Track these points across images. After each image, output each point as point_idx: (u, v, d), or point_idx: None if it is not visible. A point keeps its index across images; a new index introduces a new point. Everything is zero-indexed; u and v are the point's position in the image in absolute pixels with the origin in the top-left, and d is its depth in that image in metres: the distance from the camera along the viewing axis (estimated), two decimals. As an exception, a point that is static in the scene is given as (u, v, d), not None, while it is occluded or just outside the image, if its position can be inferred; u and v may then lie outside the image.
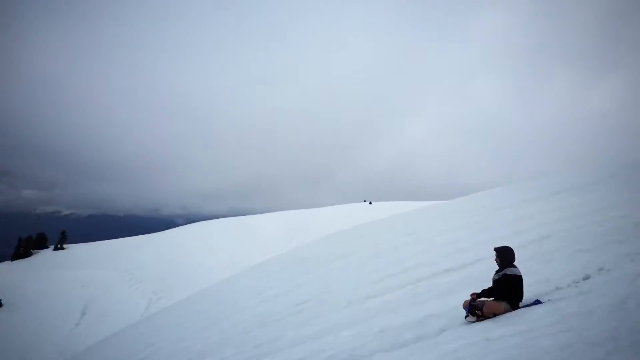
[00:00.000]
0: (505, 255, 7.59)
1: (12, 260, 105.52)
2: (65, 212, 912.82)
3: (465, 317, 7.69)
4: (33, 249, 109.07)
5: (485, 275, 10.49)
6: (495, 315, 7.25)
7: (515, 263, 7.64)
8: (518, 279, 7.35)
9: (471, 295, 7.69)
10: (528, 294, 7.85)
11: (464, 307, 7.79)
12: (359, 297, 13.15)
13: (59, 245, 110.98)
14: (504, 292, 7.36)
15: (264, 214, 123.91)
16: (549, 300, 7.44)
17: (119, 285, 78.12)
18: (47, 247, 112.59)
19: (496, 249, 7.74)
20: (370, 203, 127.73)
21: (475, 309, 7.48)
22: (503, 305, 7.30)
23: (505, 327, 6.68)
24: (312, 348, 9.33)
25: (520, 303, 7.45)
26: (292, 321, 13.04)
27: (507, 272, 7.35)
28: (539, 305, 7.21)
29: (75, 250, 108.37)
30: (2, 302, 77.20)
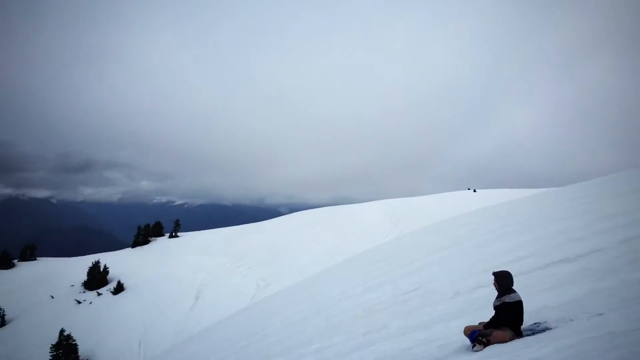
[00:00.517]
0: (503, 281, 7.61)
1: (132, 247, 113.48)
2: (178, 202, 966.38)
3: (473, 347, 7.63)
4: (151, 237, 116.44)
5: (605, 267, 9.94)
6: (498, 342, 7.31)
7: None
8: (518, 305, 7.38)
9: (482, 325, 7.77)
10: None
11: (466, 334, 7.85)
12: (467, 287, 12.92)
13: (173, 233, 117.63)
14: (506, 319, 7.41)
15: (366, 203, 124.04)
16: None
17: (229, 271, 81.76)
18: (163, 235, 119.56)
19: (494, 274, 7.73)
20: (475, 191, 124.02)
21: (484, 336, 7.47)
22: (508, 333, 7.34)
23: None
24: (421, 337, 9.31)
25: (521, 327, 7.54)
26: (399, 310, 13.07)
27: (507, 300, 7.38)
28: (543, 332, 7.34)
29: (188, 238, 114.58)
30: (125, 286, 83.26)
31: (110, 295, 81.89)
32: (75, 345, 61.95)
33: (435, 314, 11.00)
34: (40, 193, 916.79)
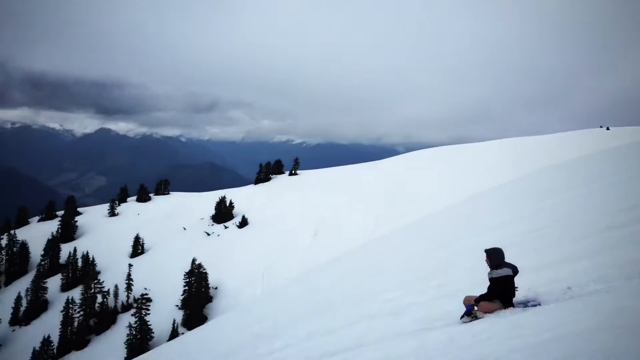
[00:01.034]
0: (494, 257, 7.91)
1: (254, 184, 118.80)
2: (297, 140, 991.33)
3: (461, 317, 8.02)
4: (272, 174, 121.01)
5: None
6: (487, 313, 7.73)
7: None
8: (507, 280, 7.68)
9: (474, 299, 8.04)
10: None
11: (464, 303, 8.15)
12: (598, 227, 12.01)
13: (293, 171, 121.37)
14: (495, 293, 7.77)
15: (487, 142, 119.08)
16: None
17: (346, 208, 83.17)
18: (283, 173, 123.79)
19: (486, 251, 8.04)
20: (608, 129, 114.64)
21: (473, 312, 7.91)
22: (496, 304, 7.74)
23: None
24: (550, 276, 8.82)
25: (514, 299, 7.79)
26: (531, 246, 12.50)
27: (494, 275, 7.73)
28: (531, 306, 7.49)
29: (307, 176, 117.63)
30: (249, 220, 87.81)
31: (236, 228, 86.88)
32: (206, 274, 66.86)
33: (565, 254, 10.35)
34: (171, 132, 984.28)
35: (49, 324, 66.85)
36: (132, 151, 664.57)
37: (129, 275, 69.37)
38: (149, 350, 51.41)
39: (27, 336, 67.67)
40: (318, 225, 79.95)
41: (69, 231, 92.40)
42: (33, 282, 73.53)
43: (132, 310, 62.11)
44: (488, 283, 8.34)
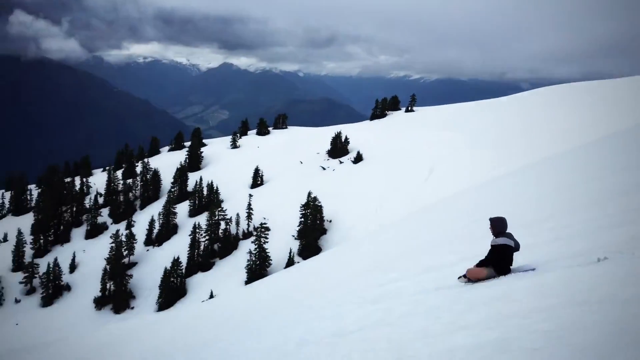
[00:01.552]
0: (496, 225, 8.20)
1: (370, 120, 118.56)
2: (415, 76, 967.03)
3: (459, 277, 8.45)
4: (387, 111, 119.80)
5: None
6: (478, 280, 8.04)
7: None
8: (502, 248, 7.93)
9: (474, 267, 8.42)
10: None
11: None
12: None
13: (409, 108, 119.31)
14: (491, 260, 8.08)
15: (625, 78, 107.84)
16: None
17: (463, 147, 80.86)
18: (399, 109, 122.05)
19: (490, 219, 8.33)
20: None
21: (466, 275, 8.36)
22: (485, 271, 8.03)
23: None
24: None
25: (511, 268, 8.03)
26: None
27: (492, 243, 8.04)
28: (528, 272, 7.63)
29: (424, 113, 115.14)
30: (363, 156, 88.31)
31: (351, 164, 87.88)
32: (321, 206, 68.86)
33: None
34: (290, 67, 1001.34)
35: (178, 246, 72.88)
36: (253, 86, 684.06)
37: (249, 204, 73.20)
38: (267, 275, 54.81)
39: (159, 256, 74.42)
40: (433, 163, 78.70)
41: (195, 161, 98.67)
42: (164, 207, 79.96)
43: (252, 238, 66.13)
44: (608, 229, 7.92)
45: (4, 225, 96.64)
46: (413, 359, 5.35)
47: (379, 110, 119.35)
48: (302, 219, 68.39)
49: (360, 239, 42.87)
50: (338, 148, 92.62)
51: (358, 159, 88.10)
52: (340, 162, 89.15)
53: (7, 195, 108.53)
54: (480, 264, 8.24)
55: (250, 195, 76.00)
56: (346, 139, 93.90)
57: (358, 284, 13.77)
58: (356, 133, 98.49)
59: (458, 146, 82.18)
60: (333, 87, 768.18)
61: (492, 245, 8.08)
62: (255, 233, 65.00)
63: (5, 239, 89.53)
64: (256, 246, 61.93)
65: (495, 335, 4.97)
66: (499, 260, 8.01)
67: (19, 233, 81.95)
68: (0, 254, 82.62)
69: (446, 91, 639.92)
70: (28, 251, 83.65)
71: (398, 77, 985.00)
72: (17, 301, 73.65)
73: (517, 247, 8.01)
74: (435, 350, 5.31)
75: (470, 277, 8.18)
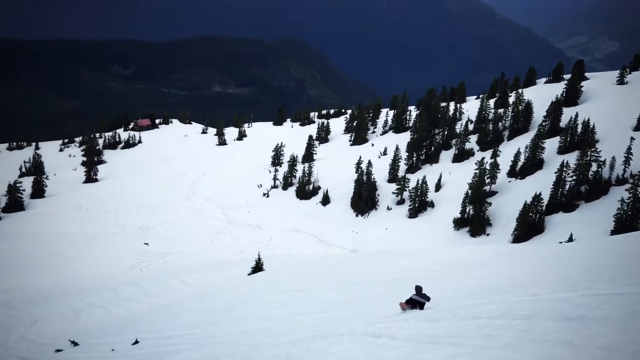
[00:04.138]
0: (417, 290, 14.58)
1: None
2: None
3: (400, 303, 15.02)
4: None
5: None
6: (404, 309, 14.38)
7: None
8: (414, 299, 14.44)
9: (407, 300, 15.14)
10: None
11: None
12: None
13: None
14: (412, 303, 14.40)
15: None
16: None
17: None
18: None
19: (416, 287, 14.78)
20: None
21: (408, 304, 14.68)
22: (407, 305, 14.32)
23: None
24: None
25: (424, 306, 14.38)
26: None
27: (413, 297, 14.54)
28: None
29: None
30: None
31: None
32: None
33: None
34: None
35: (541, 182, 70.71)
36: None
37: (629, 148, 65.42)
38: (637, 230, 49.05)
39: (520, 189, 73.81)
40: None
41: (572, 96, 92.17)
42: (532, 140, 77.93)
43: (627, 186, 59.22)
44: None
45: (386, 140, 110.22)
46: None
47: None
48: None
49: None
50: None
51: None
52: None
53: (391, 113, 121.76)
54: (407, 302, 14.43)
55: (632, 139, 67.40)
56: None
57: None
58: None
59: None
60: None
61: (411, 297, 14.47)
62: (631, 181, 58.05)
63: (385, 153, 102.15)
64: (630, 195, 55.37)
65: None
66: (416, 303, 14.27)
67: (397, 149, 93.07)
68: (380, 165, 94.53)
69: None
70: (402, 166, 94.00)
71: None
72: (388, 208, 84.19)
73: (427, 299, 14.34)
74: None
75: (402, 307, 14.34)
